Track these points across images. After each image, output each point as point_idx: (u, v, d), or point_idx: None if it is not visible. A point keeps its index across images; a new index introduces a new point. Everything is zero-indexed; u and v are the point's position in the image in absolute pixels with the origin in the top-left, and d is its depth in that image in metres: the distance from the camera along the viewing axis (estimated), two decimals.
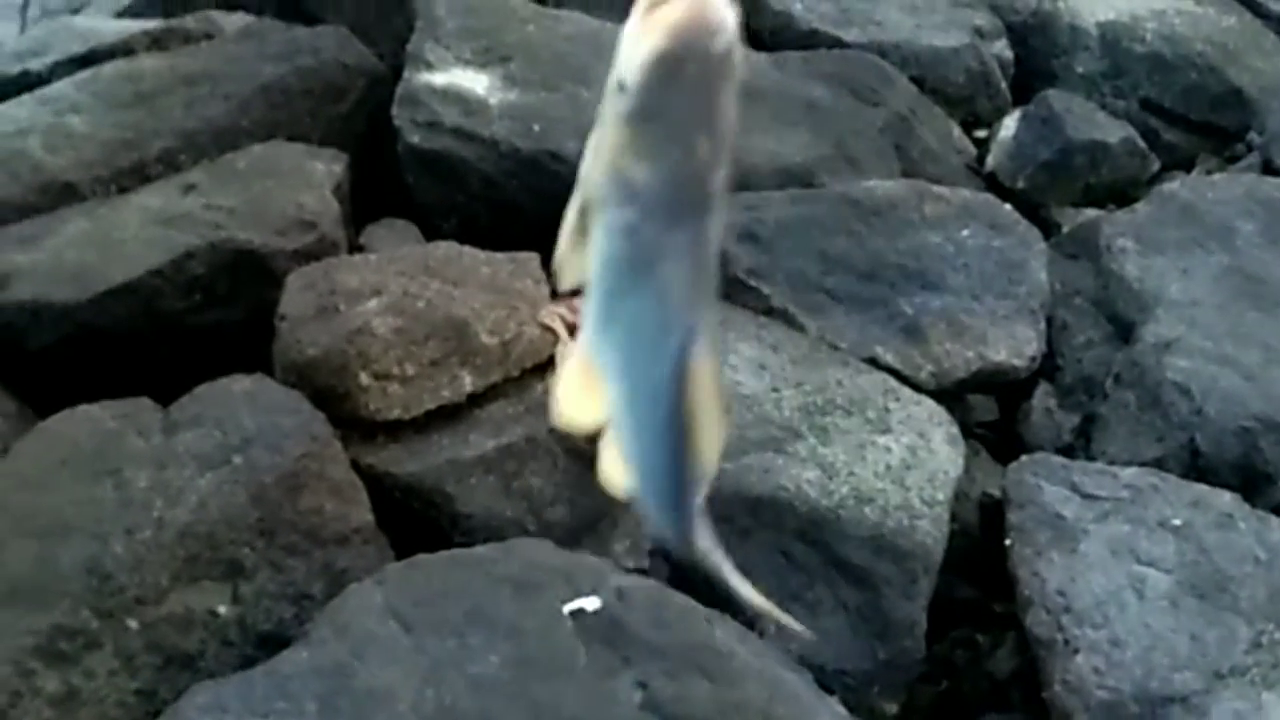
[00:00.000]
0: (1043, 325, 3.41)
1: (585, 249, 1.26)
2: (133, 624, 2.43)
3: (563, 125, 3.76)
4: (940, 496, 2.86)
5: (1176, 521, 2.81)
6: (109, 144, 3.69)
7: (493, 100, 3.82)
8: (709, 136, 1.18)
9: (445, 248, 3.32)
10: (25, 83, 4.06)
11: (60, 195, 3.55)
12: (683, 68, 1.14)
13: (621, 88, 1.17)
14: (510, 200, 3.74)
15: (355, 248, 3.52)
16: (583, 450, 2.85)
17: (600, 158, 1.22)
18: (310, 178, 3.54)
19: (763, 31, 4.60)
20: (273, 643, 2.48)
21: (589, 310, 1.28)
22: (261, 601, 2.56)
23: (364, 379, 2.88)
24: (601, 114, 1.21)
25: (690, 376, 1.25)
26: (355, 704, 2.20)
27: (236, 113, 3.81)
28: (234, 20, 4.42)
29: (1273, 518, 2.86)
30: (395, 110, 3.80)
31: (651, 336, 1.25)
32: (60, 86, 3.96)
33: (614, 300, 1.25)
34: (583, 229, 1.27)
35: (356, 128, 3.99)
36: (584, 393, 1.33)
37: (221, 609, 2.52)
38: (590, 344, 1.30)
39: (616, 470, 1.38)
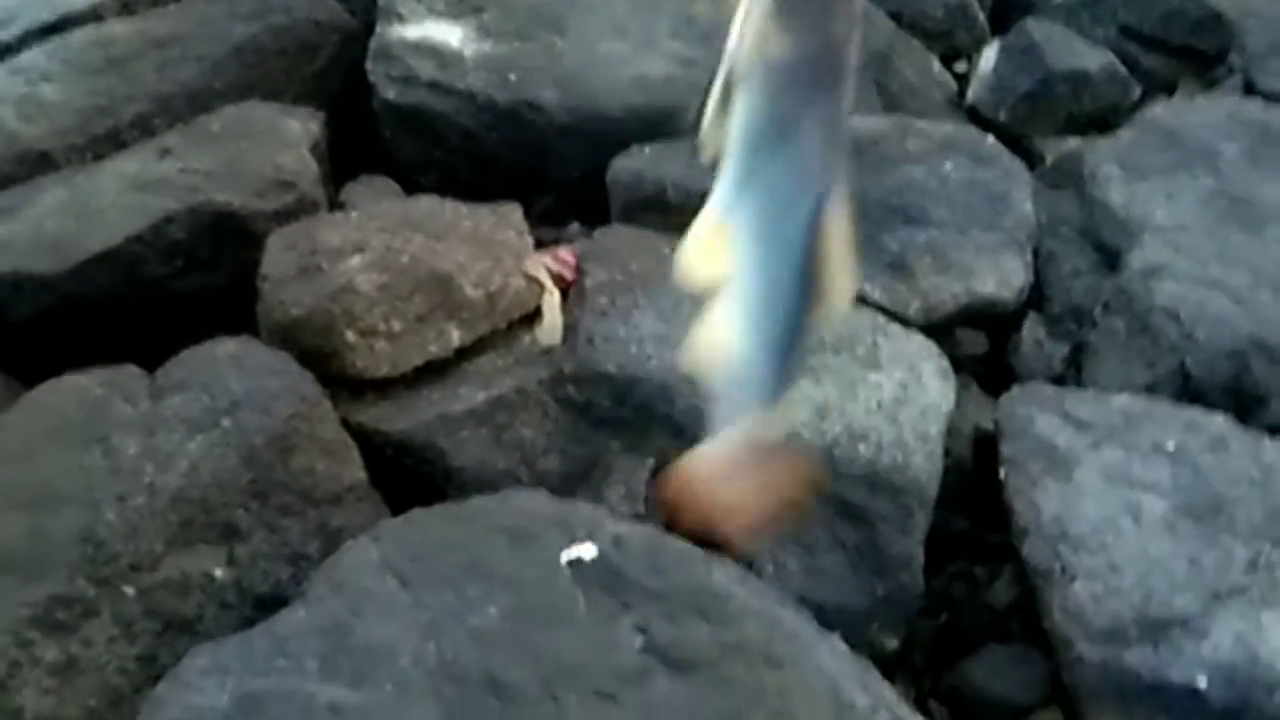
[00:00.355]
0: (1029, 256, 3.40)
1: (726, 124, 1.39)
2: (129, 591, 2.43)
3: (539, 75, 3.73)
4: (933, 431, 2.85)
5: (1170, 446, 2.81)
6: (83, 111, 3.66)
7: (467, 52, 3.79)
8: (845, 12, 1.31)
9: (426, 202, 3.30)
10: None
11: (36, 165, 3.53)
12: None
13: None
14: (489, 152, 3.72)
15: (335, 206, 3.49)
16: (573, 399, 2.85)
17: (747, 37, 1.33)
18: (287, 137, 3.51)
19: None
20: (270, 603, 2.47)
21: (725, 175, 1.40)
22: (257, 563, 2.56)
23: (350, 337, 2.86)
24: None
25: (823, 231, 1.36)
26: (356, 661, 2.20)
27: (209, 74, 3.77)
28: None
29: (1266, 438, 2.86)
30: (369, 65, 3.77)
31: (788, 197, 1.36)
32: (30, 56, 3.91)
33: (753, 166, 1.37)
34: (724, 106, 1.39)
35: (331, 85, 3.95)
36: (709, 250, 1.44)
37: (218, 572, 2.52)
38: (723, 207, 1.41)
39: (713, 340, 1.48)
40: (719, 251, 1.43)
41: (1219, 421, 2.88)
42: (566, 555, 2.38)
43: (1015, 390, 3.03)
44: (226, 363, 2.77)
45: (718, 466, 1.62)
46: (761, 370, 1.48)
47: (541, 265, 3.11)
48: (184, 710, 2.14)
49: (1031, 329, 3.38)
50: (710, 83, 1.43)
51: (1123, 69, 4.34)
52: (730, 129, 1.38)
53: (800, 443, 1.61)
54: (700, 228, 1.45)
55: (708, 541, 2.05)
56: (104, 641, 2.40)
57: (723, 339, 1.47)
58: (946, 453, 2.87)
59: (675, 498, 1.71)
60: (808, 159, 1.35)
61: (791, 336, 1.46)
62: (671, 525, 1.96)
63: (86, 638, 2.38)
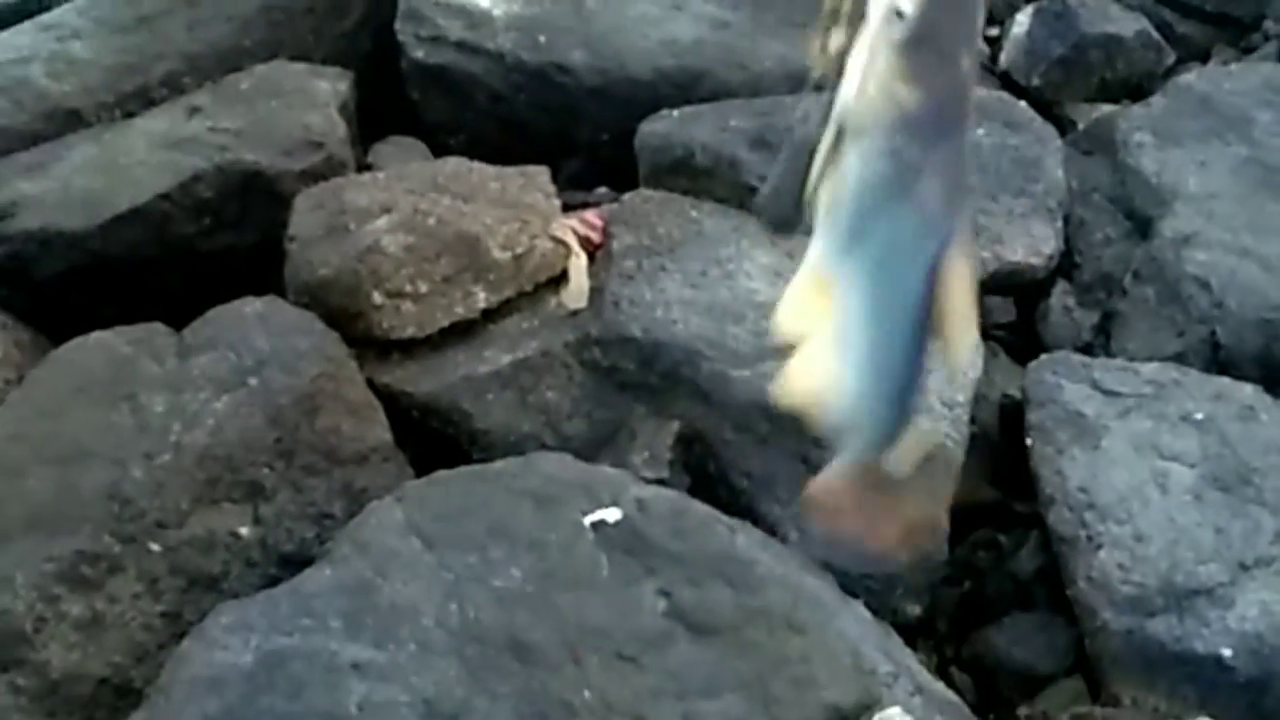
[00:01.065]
0: (1060, 223, 3.37)
1: (834, 173, 1.34)
2: (155, 547, 2.44)
3: (569, 36, 3.71)
4: (960, 398, 2.83)
5: (1199, 415, 2.79)
6: (112, 69, 3.66)
7: (497, 12, 3.77)
8: (969, 55, 1.29)
9: (454, 163, 3.29)
10: (26, 10, 4.02)
11: (65, 122, 3.54)
12: None
13: (899, 15, 1.25)
14: (517, 114, 3.71)
15: (363, 167, 3.49)
16: (598, 363, 2.85)
17: (868, 83, 1.29)
18: (315, 97, 3.51)
19: None
20: (295, 563, 2.48)
21: (832, 229, 1.35)
22: (282, 522, 2.57)
23: (377, 298, 2.87)
24: (863, 43, 1.29)
25: (944, 282, 1.33)
26: (380, 620, 2.21)
27: (239, 33, 3.78)
28: None
29: None
30: (398, 25, 3.76)
31: (910, 247, 1.33)
32: (61, 12, 3.93)
33: (869, 218, 1.32)
34: (832, 159, 1.34)
35: (361, 45, 3.95)
36: (809, 307, 1.41)
37: (243, 530, 2.53)
38: (831, 259, 1.36)
39: (810, 386, 1.46)
40: (818, 309, 1.40)
41: (1248, 391, 2.86)
42: (590, 518, 2.38)
43: (1043, 358, 3.01)
44: (253, 322, 2.77)
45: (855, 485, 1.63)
46: (878, 419, 1.47)
47: (568, 228, 3.11)
48: (208, 667, 2.15)
49: (1061, 297, 3.36)
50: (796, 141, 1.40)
51: (1156, 35, 4.29)
52: (840, 180, 1.33)
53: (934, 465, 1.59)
54: (801, 281, 1.42)
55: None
56: (129, 598, 2.41)
57: (832, 384, 1.45)
58: (973, 420, 2.85)
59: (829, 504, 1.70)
60: (932, 207, 1.32)
61: (909, 387, 1.45)
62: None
63: (112, 594, 2.40)
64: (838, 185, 1.33)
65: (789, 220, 1.38)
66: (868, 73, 1.29)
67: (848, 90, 1.31)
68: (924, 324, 1.38)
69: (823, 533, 1.67)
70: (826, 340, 1.44)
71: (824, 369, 1.46)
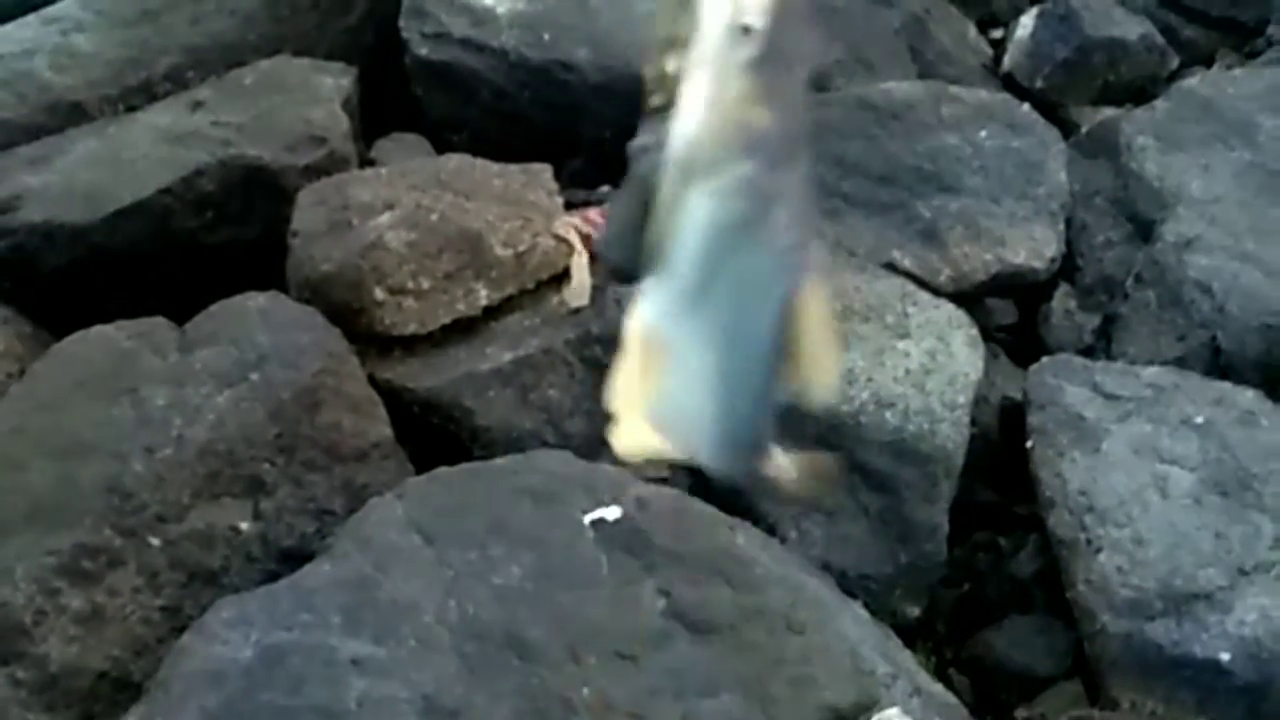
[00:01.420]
0: (1062, 226, 3.38)
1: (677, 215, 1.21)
2: (155, 541, 2.44)
3: (573, 34, 3.71)
4: (960, 400, 2.84)
5: (1199, 419, 2.79)
6: (115, 62, 3.66)
7: (501, 9, 3.77)
8: (807, 70, 1.20)
9: (457, 160, 3.29)
10: (30, 3, 4.01)
11: (68, 115, 3.54)
12: (796, 4, 1.15)
13: (746, 32, 1.14)
14: (521, 111, 3.70)
15: (366, 162, 3.49)
16: (600, 360, 2.85)
17: (715, 112, 1.17)
18: (318, 92, 3.50)
19: None
20: (295, 558, 2.48)
21: (675, 281, 1.23)
22: (283, 517, 2.57)
23: (379, 294, 2.86)
24: (701, 68, 1.17)
25: (799, 310, 1.23)
26: (379, 616, 2.21)
27: (242, 28, 3.77)
28: None
29: None
30: (402, 22, 3.76)
31: (763, 289, 1.23)
32: (65, 5, 3.92)
33: (720, 260, 1.21)
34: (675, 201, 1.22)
35: (364, 41, 3.94)
36: (645, 375, 1.29)
37: (243, 525, 2.53)
38: (672, 319, 1.25)
39: (647, 436, 1.35)
40: (655, 368, 1.27)
41: (1249, 396, 2.86)
42: (590, 516, 2.38)
43: (1044, 360, 3.02)
44: (255, 317, 2.77)
45: None
46: (735, 451, 1.38)
47: (571, 226, 3.10)
48: (207, 661, 2.15)
49: (1062, 299, 3.37)
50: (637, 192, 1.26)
51: (1161, 39, 4.30)
52: (686, 224, 1.20)
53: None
54: (634, 353, 1.28)
55: None
56: (129, 591, 2.41)
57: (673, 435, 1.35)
58: (973, 422, 2.86)
59: None
60: (787, 238, 1.22)
61: (765, 419, 1.34)
62: None
63: (112, 587, 2.40)
64: (681, 230, 1.20)
65: (633, 268, 1.23)
66: (714, 100, 1.17)
67: (687, 123, 1.19)
68: (777, 364, 1.28)
69: None
70: (662, 402, 1.32)
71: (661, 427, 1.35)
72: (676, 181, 1.20)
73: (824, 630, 2.29)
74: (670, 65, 1.22)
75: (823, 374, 1.29)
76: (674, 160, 1.20)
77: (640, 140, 1.24)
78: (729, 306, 1.24)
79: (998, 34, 4.51)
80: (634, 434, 1.36)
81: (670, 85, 1.24)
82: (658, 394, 1.31)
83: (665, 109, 1.23)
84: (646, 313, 1.26)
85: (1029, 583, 2.82)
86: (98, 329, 2.81)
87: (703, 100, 1.18)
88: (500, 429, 2.83)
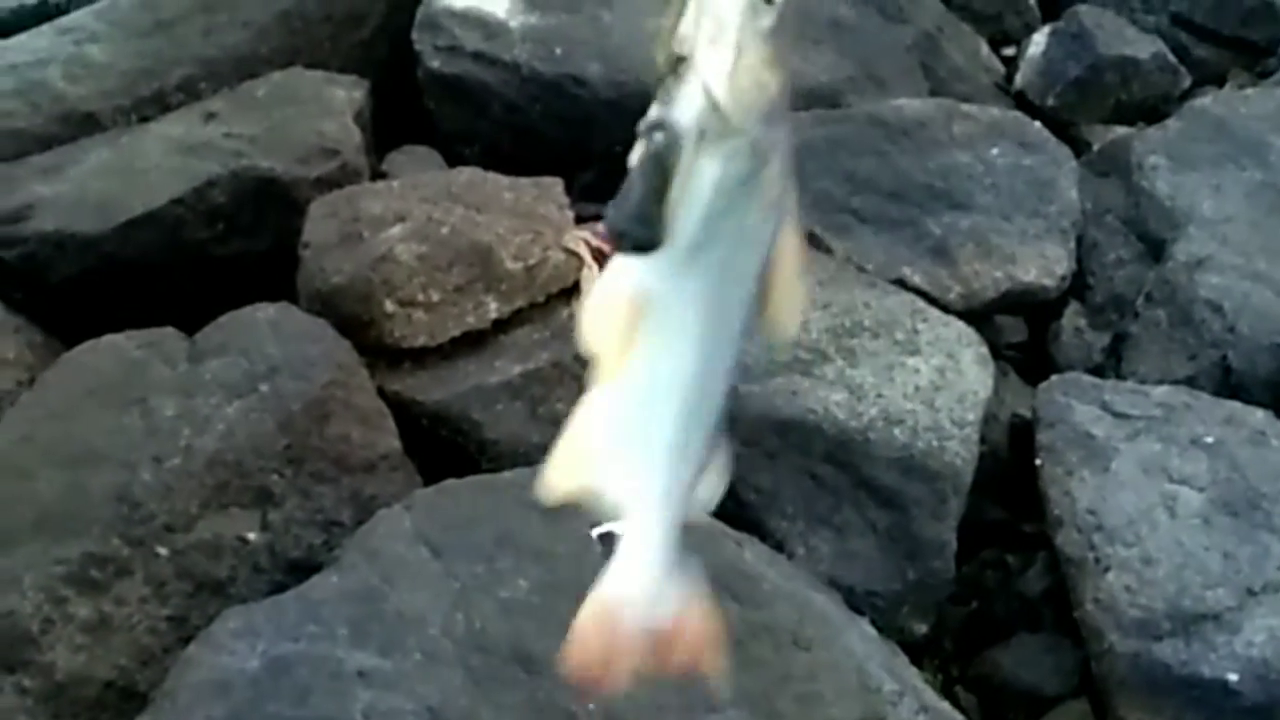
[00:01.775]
0: (1073, 244, 3.37)
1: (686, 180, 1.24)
2: (163, 551, 2.44)
3: (585, 48, 3.72)
4: (970, 417, 2.83)
5: (1209, 439, 2.79)
6: (129, 73, 3.67)
7: (513, 23, 3.78)
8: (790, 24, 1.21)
9: (468, 173, 3.30)
10: (44, 13, 4.04)
11: (81, 125, 3.55)
12: None
13: (769, 1, 1.20)
14: (532, 125, 3.71)
15: (377, 175, 3.50)
16: None
17: (738, 79, 1.21)
18: (331, 105, 3.51)
19: None
20: (302, 569, 2.48)
21: (677, 240, 1.25)
22: (291, 528, 2.57)
23: (389, 306, 2.87)
24: (718, 39, 1.21)
25: (774, 255, 1.27)
26: (386, 627, 2.21)
27: (256, 40, 3.79)
28: None
29: None
30: (415, 35, 3.77)
31: (753, 243, 1.26)
32: (79, 16, 3.94)
33: (720, 219, 1.24)
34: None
35: (377, 54, 3.96)
36: (621, 325, 1.31)
37: (251, 535, 2.53)
38: (666, 276, 1.27)
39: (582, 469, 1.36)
40: (630, 326, 1.29)
41: (1259, 416, 2.86)
42: (598, 530, 2.38)
43: (1054, 379, 3.01)
44: (265, 328, 2.77)
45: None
46: (691, 452, 1.35)
47: (581, 240, 3.11)
48: (214, 671, 2.16)
49: (1072, 318, 3.36)
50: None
51: (1173, 58, 4.30)
52: (694, 186, 1.23)
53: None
54: (617, 292, 1.30)
55: None
56: (136, 601, 2.41)
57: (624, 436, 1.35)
58: (982, 439, 2.85)
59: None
60: (776, 191, 1.24)
61: (717, 434, 1.35)
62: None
63: (119, 596, 2.40)
64: (688, 194, 1.23)
65: (652, 242, 1.25)
66: (737, 67, 1.21)
67: (708, 91, 1.22)
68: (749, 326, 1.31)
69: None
70: (621, 384, 1.35)
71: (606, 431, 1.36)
72: (691, 151, 1.24)
73: (831, 647, 2.28)
74: (681, 46, 1.25)
75: (788, 313, 1.30)
76: (691, 129, 1.24)
77: (650, 117, 1.25)
78: (720, 265, 1.27)
79: (1010, 52, 4.51)
80: (569, 466, 1.36)
81: (679, 64, 1.26)
82: (624, 383, 1.34)
83: (675, 86, 1.26)
84: (637, 271, 1.28)
85: (1037, 601, 2.81)
86: (108, 338, 2.81)
87: (723, 69, 1.21)
88: (508, 442, 2.83)
